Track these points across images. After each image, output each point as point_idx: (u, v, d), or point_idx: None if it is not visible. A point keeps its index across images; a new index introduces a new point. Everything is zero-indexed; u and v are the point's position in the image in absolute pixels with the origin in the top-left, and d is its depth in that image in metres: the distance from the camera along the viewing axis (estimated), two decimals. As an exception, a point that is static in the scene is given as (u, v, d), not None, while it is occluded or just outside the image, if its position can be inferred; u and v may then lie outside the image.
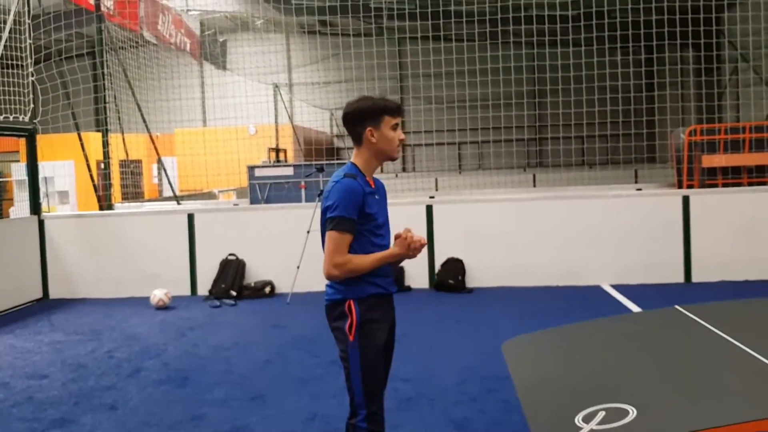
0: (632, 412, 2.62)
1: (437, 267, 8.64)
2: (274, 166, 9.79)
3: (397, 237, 3.03)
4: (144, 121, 10.86)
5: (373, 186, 3.11)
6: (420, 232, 9.02)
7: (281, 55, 23.18)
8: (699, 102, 18.86)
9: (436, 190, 18.00)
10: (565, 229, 8.49)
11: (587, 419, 2.65)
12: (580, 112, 15.29)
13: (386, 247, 3.13)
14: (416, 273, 8.63)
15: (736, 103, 18.36)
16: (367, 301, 3.04)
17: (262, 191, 9.30)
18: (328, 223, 3.00)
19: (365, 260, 3.00)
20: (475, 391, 4.95)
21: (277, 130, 19.86)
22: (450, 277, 8.50)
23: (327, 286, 3.11)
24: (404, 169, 25.62)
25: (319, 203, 3.66)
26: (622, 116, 20.02)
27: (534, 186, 17.65)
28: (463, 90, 17.24)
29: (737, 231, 8.20)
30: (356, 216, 2.97)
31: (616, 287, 8.10)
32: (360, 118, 3.06)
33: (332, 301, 3.09)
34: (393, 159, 3.14)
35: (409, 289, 8.67)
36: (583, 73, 14.21)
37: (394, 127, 3.08)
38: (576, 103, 15.89)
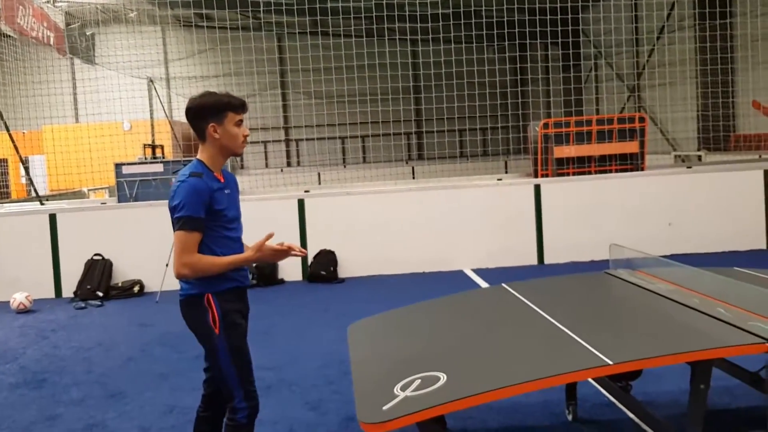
0: (443, 378, 2.93)
1: (310, 259, 8.84)
2: (142, 163, 9.56)
3: (261, 246, 3.05)
4: (1, 118, 10.32)
5: (222, 180, 3.12)
6: (292, 226, 9.16)
7: (156, 48, 22.53)
8: (564, 96, 20.17)
9: (319, 183, 18.20)
10: (431, 219, 8.93)
11: (404, 388, 2.92)
12: (457, 106, 15.98)
13: (239, 240, 3.19)
14: (289, 266, 8.80)
15: (595, 97, 19.73)
16: (224, 294, 3.09)
17: (131, 189, 9.12)
18: (175, 223, 3.02)
19: (217, 262, 3.03)
20: (332, 374, 5.20)
21: (152, 126, 19.33)
22: (322, 268, 8.73)
23: (181, 281, 3.13)
24: (289, 164, 25.63)
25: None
26: (495, 110, 20.99)
27: (413, 178, 18.23)
28: (344, 85, 17.50)
29: (584, 215, 8.96)
30: (203, 214, 3.00)
31: (476, 271, 8.64)
32: (202, 114, 3.07)
33: (189, 296, 3.11)
34: (237, 155, 3.19)
35: (282, 282, 8.82)
36: (457, 70, 14.87)
37: (238, 124, 3.11)
38: (452, 98, 16.56)
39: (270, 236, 3.09)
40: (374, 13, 17.72)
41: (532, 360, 3.05)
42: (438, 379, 2.93)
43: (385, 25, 19.60)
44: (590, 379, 4.41)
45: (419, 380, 2.97)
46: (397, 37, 21.30)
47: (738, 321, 3.11)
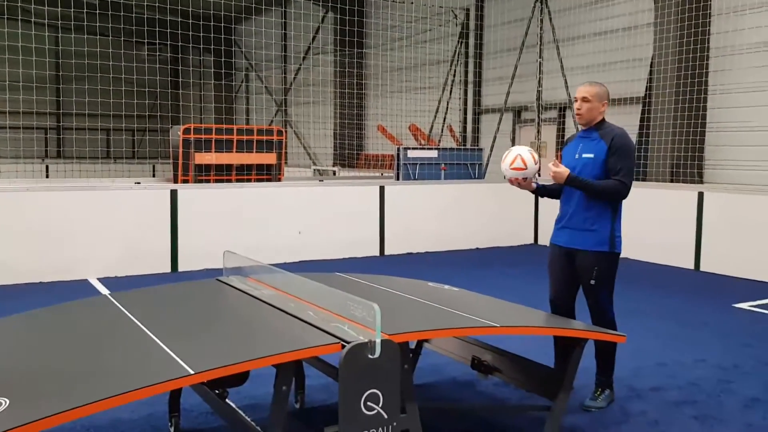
0: (4, 404, 2.58)
1: None
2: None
3: None
4: None
5: None
6: None
7: None
8: (216, 104, 20.27)
9: None
10: (49, 223, 8.05)
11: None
12: (106, 102, 14.85)
13: None
14: None
15: (246, 107, 20.24)
16: None
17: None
18: None
19: None
20: None
21: None
22: None
23: None
24: None
25: None
26: (146, 111, 20.15)
27: (47, 177, 16.42)
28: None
29: (221, 222, 8.98)
30: None
31: (103, 280, 8.04)
32: None
33: None
34: None
35: None
36: (105, 64, 13.81)
37: None
38: (101, 94, 15.34)
39: None
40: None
41: (110, 376, 2.86)
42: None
43: (19, 4, 17.36)
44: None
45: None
46: (33, 19, 19.07)
47: (322, 323, 3.35)
